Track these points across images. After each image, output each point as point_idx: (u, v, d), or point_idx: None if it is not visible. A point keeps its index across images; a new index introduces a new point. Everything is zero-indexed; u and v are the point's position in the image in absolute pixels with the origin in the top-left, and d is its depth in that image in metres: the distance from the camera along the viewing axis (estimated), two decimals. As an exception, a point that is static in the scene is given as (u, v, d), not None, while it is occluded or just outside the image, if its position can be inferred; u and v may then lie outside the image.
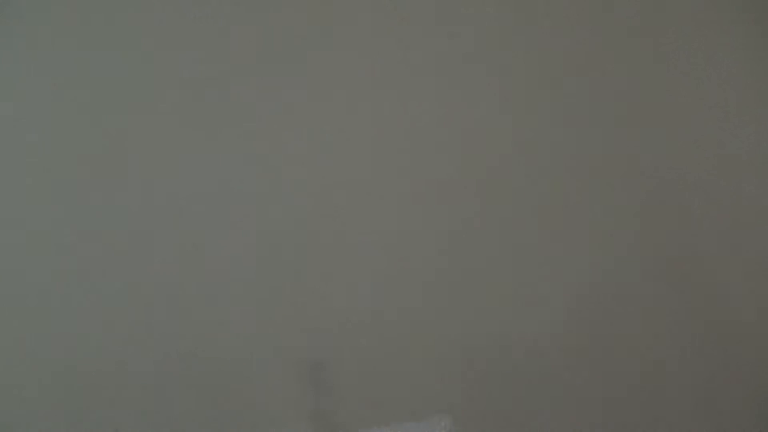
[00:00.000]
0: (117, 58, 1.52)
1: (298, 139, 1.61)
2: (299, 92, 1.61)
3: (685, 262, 1.85)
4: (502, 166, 1.74)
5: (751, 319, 1.88)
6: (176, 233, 1.54)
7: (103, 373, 1.49)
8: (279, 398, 1.56)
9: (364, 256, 1.64)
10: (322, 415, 1.59)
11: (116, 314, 1.50)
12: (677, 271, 1.84)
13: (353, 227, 1.63)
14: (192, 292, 1.54)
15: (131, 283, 1.51)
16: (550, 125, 1.77)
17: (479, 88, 1.74)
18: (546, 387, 1.74)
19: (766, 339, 1.91)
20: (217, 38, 1.57)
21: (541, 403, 1.73)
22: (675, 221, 1.86)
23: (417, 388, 1.64)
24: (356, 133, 1.65)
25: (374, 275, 1.64)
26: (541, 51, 1.79)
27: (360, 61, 1.66)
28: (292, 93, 1.61)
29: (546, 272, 1.75)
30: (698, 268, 1.86)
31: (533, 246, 1.75)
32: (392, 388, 1.63)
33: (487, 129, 1.73)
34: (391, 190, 1.67)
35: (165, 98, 1.55)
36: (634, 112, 1.84)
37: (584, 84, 1.81)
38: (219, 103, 1.57)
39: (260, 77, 1.59)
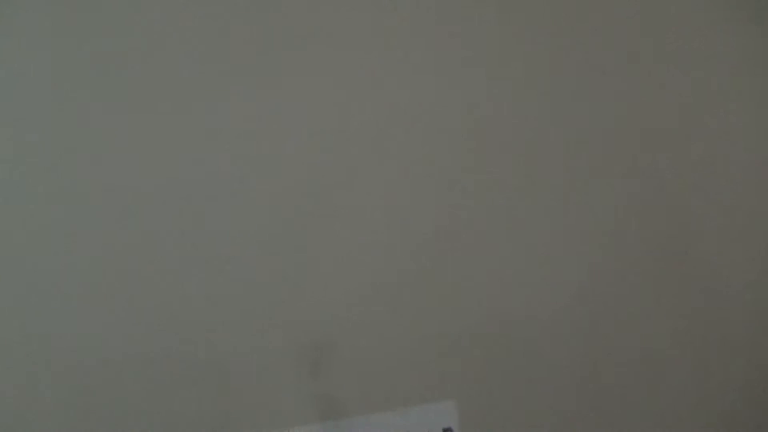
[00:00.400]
0: (117, 57, 1.52)
1: (297, 122, 1.60)
2: (296, 88, 1.61)
3: (683, 252, 1.88)
4: (505, 151, 1.74)
5: (750, 290, 1.92)
6: (174, 226, 1.53)
7: (104, 365, 1.49)
8: (279, 383, 1.56)
9: (365, 238, 1.63)
10: (323, 400, 1.58)
11: (115, 310, 1.50)
12: (676, 257, 1.87)
13: (352, 210, 1.63)
14: (189, 278, 1.53)
15: (129, 279, 1.50)
16: (550, 108, 1.79)
17: (479, 86, 1.74)
18: (551, 371, 1.75)
19: (763, 325, 1.94)
20: (216, 36, 1.57)
21: (546, 387, 1.74)
22: (675, 209, 1.87)
23: (420, 373, 1.64)
24: (355, 116, 1.64)
25: (376, 258, 1.64)
26: (540, 49, 1.80)
27: (358, 54, 1.67)
28: (290, 88, 1.61)
29: (549, 256, 1.76)
30: (697, 257, 1.89)
31: (535, 231, 1.76)
32: (395, 373, 1.63)
33: (487, 120, 1.74)
34: (391, 174, 1.66)
35: (164, 94, 1.54)
36: (635, 98, 1.86)
37: (585, 76, 1.82)
38: (218, 100, 1.57)
39: (258, 73, 1.59)
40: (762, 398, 1.94)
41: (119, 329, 1.49)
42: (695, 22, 1.90)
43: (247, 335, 1.56)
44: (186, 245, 1.53)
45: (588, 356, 1.79)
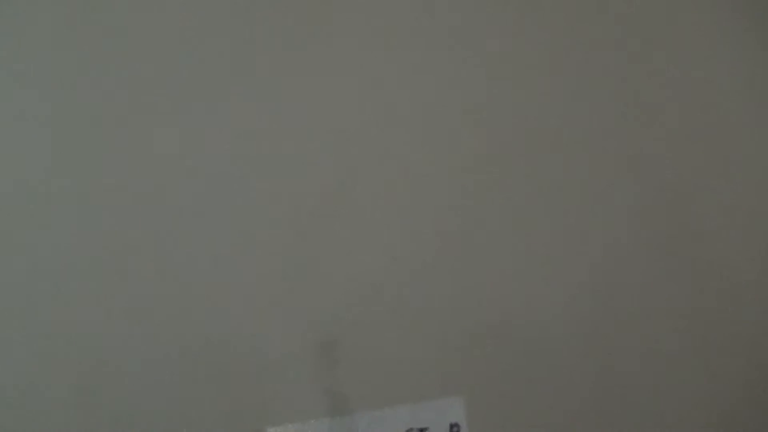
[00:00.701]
0: (117, 57, 1.51)
1: (299, 122, 1.60)
2: (299, 88, 1.61)
3: (688, 251, 1.88)
4: (512, 147, 1.75)
5: (750, 289, 1.92)
6: (177, 224, 1.53)
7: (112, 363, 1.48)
8: (290, 379, 1.56)
9: (375, 236, 1.63)
10: (332, 395, 1.58)
11: (119, 308, 1.49)
12: (681, 256, 1.86)
13: (360, 207, 1.63)
14: (199, 275, 1.53)
15: (134, 279, 1.50)
16: (553, 107, 1.79)
17: (481, 86, 1.74)
18: (557, 368, 1.74)
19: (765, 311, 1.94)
20: (217, 35, 1.57)
21: (552, 385, 1.74)
22: (679, 207, 1.88)
23: (429, 369, 1.64)
24: (358, 116, 1.65)
25: (386, 256, 1.63)
26: (542, 49, 1.80)
27: (359, 54, 1.67)
28: (293, 88, 1.61)
29: (555, 254, 1.76)
30: (701, 256, 1.89)
31: (541, 230, 1.76)
32: (404, 369, 1.62)
33: (490, 120, 1.74)
34: (398, 173, 1.66)
35: (166, 91, 1.54)
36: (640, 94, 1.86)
37: (587, 75, 1.82)
38: (219, 95, 1.56)
39: (258, 73, 1.59)
40: (765, 398, 1.93)
41: (122, 327, 1.48)
42: (699, 19, 1.91)
43: (256, 332, 1.55)
44: (190, 244, 1.52)
45: (594, 354, 1.78)
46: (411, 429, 1.58)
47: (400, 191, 1.66)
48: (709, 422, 1.88)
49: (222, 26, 1.56)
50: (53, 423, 1.43)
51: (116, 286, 1.48)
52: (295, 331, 1.57)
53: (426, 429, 1.59)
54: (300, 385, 1.57)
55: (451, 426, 1.61)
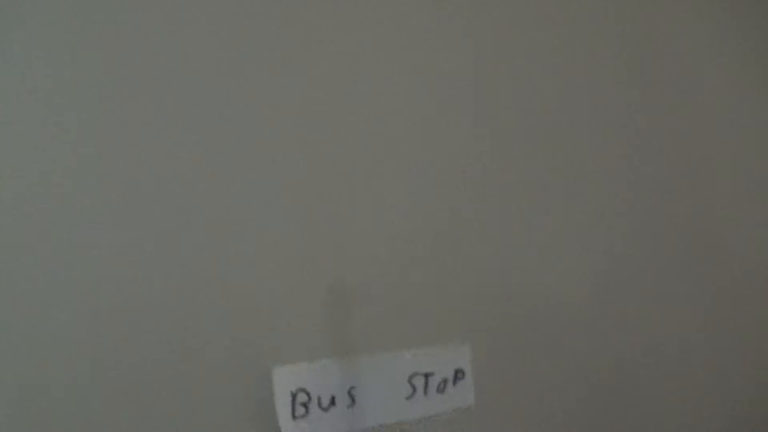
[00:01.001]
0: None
1: (319, 81, 1.59)
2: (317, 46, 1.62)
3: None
4: (531, 125, 1.76)
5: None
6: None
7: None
8: (298, 320, 1.55)
9: (392, 188, 1.62)
10: (341, 338, 1.59)
11: (129, 247, 1.46)
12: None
13: (378, 161, 1.62)
14: (213, 221, 1.51)
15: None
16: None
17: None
18: (564, 332, 1.74)
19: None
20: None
21: (560, 335, 1.74)
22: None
23: (437, 315, 1.64)
24: (375, 81, 1.64)
25: (401, 209, 1.63)
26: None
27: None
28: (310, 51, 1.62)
29: (568, 224, 1.75)
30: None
31: (558, 201, 1.75)
32: (412, 314, 1.62)
33: (514, 102, 1.75)
34: (419, 132, 1.66)
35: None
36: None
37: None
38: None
39: (269, 47, 1.60)
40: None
41: (126, 272, 1.46)
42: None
43: (266, 274, 1.54)
44: (206, 188, 1.49)
45: (601, 311, 1.77)
46: (416, 373, 1.58)
47: (421, 160, 1.65)
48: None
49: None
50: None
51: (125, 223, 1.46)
52: (304, 274, 1.56)
53: (431, 374, 1.59)
54: (308, 327, 1.56)
55: (456, 372, 1.61)
